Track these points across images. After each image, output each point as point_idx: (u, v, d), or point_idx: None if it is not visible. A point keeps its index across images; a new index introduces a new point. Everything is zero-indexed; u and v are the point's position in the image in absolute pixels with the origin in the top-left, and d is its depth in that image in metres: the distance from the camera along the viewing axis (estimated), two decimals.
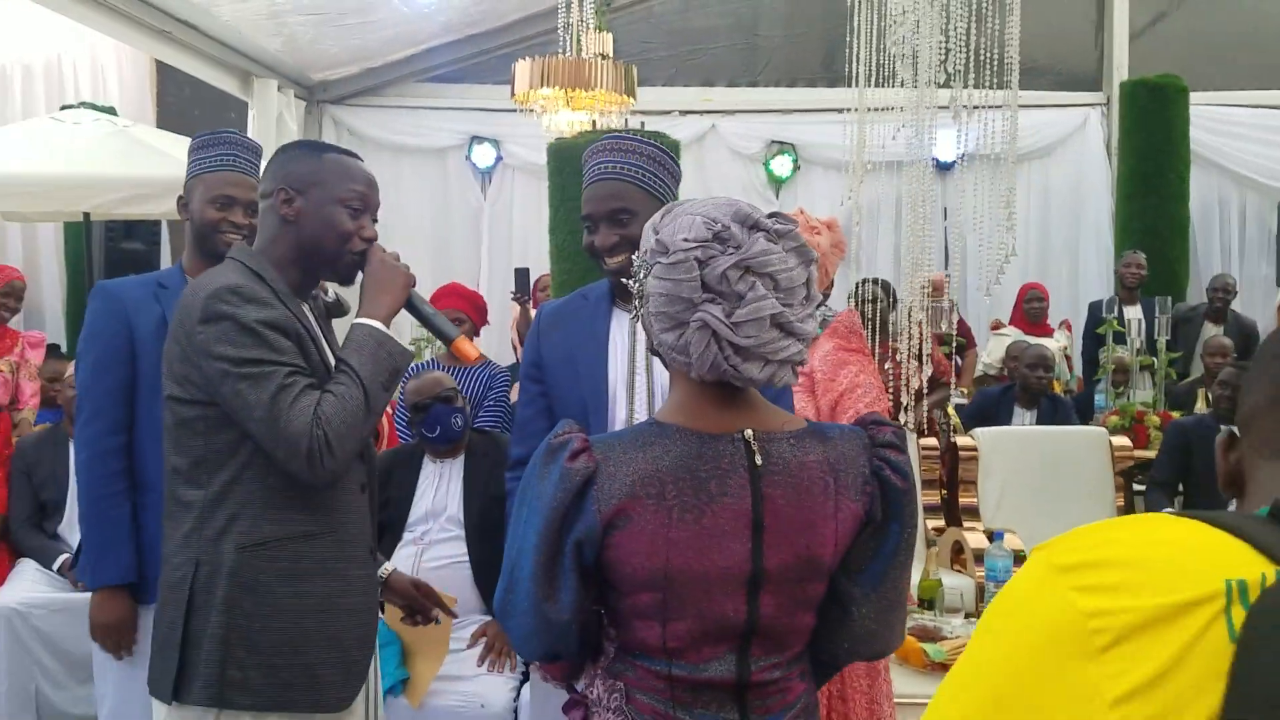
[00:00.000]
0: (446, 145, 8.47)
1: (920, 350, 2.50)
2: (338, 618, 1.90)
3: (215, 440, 1.83)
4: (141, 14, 6.02)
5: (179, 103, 8.51)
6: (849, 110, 4.04)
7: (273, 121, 7.46)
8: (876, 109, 3.84)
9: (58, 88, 7.66)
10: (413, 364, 4.92)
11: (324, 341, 1.97)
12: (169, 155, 5.25)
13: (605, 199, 2.11)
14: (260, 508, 1.83)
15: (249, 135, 7.59)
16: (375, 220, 2.00)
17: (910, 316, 2.38)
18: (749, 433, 1.44)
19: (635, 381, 2.12)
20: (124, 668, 2.37)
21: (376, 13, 7.27)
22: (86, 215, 5.92)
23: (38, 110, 7.19)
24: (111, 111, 6.90)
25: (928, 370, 2.38)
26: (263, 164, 2.45)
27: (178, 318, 1.86)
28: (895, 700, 2.98)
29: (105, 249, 6.04)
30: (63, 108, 6.66)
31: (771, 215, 1.46)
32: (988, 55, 2.42)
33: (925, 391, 5.31)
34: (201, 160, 2.51)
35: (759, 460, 1.43)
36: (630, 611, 1.45)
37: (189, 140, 7.02)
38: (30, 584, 3.79)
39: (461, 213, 8.52)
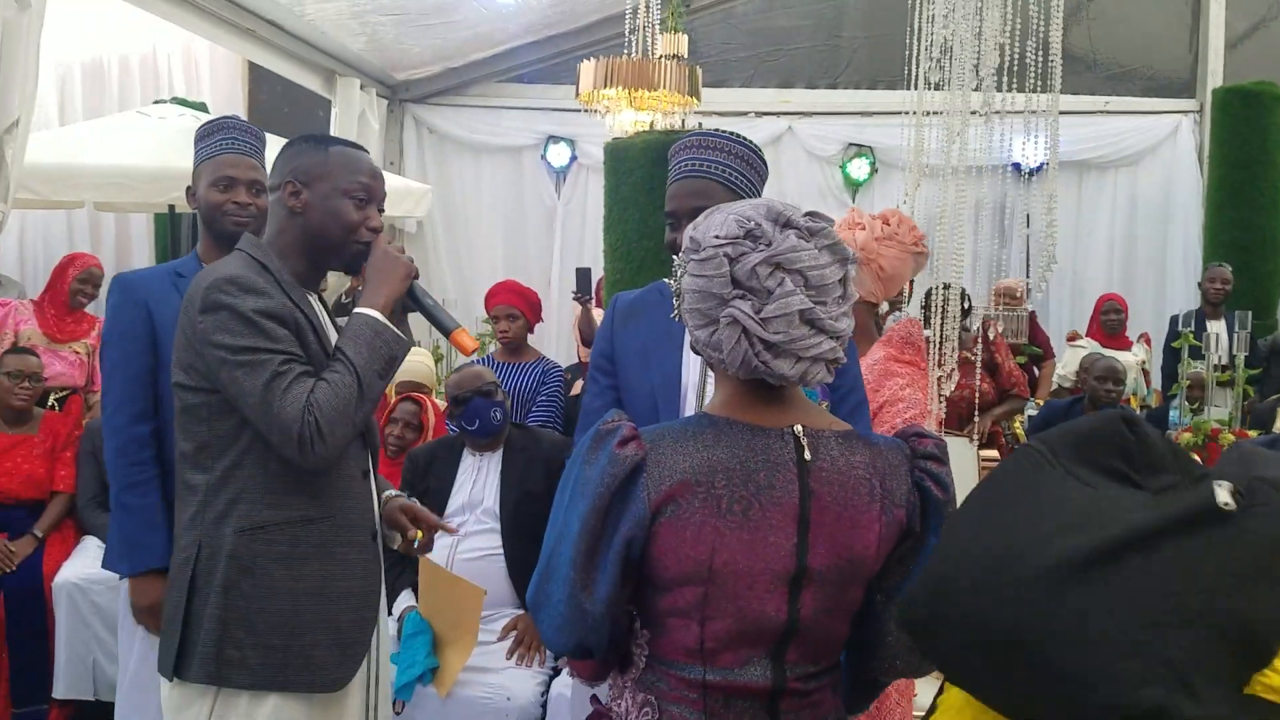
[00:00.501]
0: (523, 144, 8.56)
1: (944, 359, 2.45)
2: (334, 601, 1.93)
3: (218, 426, 1.89)
4: (228, 12, 6.20)
5: (271, 100, 8.74)
6: (911, 113, 3.98)
7: (355, 120, 7.62)
8: (935, 112, 3.78)
9: (153, 82, 7.93)
10: (472, 359, 4.98)
11: (326, 331, 2.01)
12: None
13: (690, 196, 2.09)
14: (260, 492, 1.88)
15: (331, 133, 7.77)
16: (381, 210, 2.04)
17: (943, 325, 2.34)
18: (798, 428, 1.45)
19: (707, 384, 2.10)
20: (144, 646, 2.45)
21: (457, 13, 7.37)
22: (171, 207, 6.15)
23: (133, 104, 7.45)
24: (203, 107, 7.13)
25: (954, 378, 2.32)
26: (267, 150, 2.50)
27: (183, 308, 1.92)
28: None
29: (194, 239, 6.24)
30: (155, 102, 6.91)
31: (807, 214, 1.47)
32: (1033, 58, 2.36)
33: (994, 402, 5.24)
34: (204, 148, 2.56)
35: (808, 455, 1.43)
36: (668, 610, 1.44)
37: (277, 138, 7.16)
38: (91, 561, 3.93)
39: (536, 211, 8.61)
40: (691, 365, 2.15)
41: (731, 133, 2.17)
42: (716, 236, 1.42)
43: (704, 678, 1.43)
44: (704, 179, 2.10)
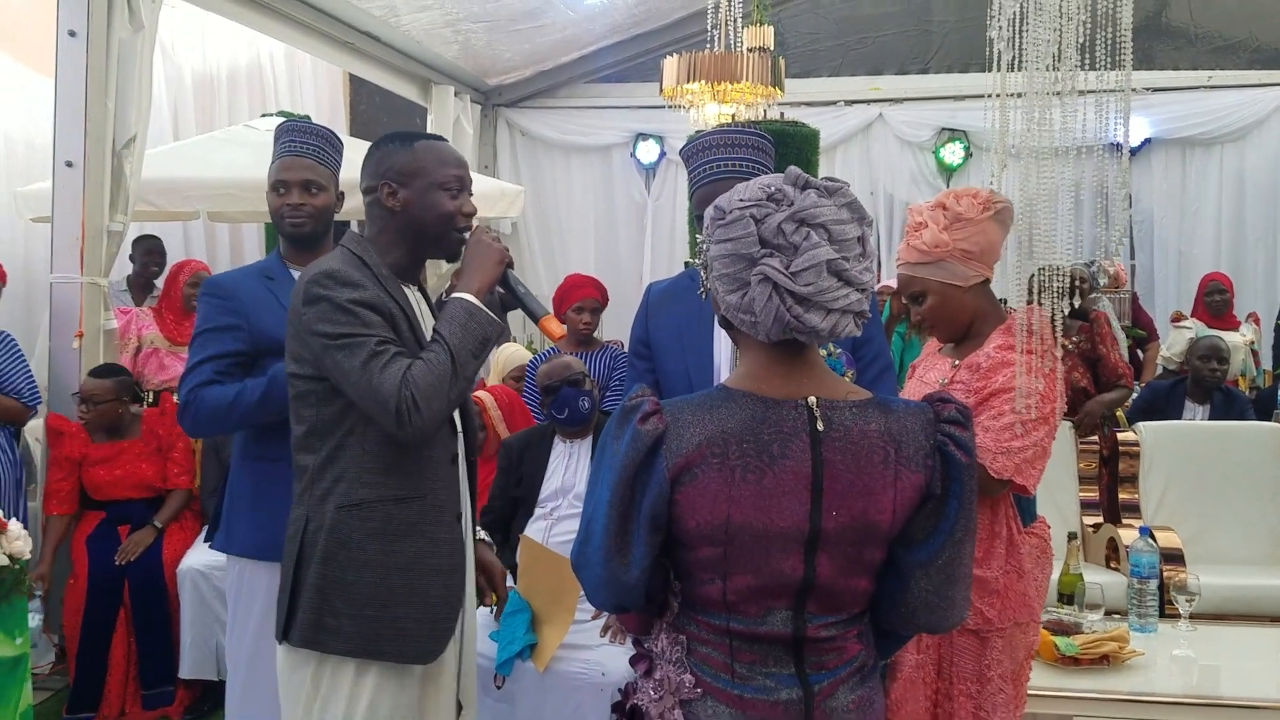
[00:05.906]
0: (612, 142, 8.70)
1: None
2: (424, 576, 2.05)
3: (324, 411, 2.03)
4: (327, 26, 6.45)
5: (370, 109, 9.03)
6: (994, 95, 3.97)
7: (450, 125, 7.83)
8: (1017, 94, 3.75)
9: (259, 95, 8.24)
10: (545, 349, 5.14)
11: (421, 321, 2.13)
12: (352, 161, 5.63)
13: None
14: (359, 472, 2.02)
15: None
16: (470, 195, 2.15)
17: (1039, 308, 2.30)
18: (812, 399, 1.52)
19: (739, 361, 2.20)
20: (260, 624, 2.61)
21: (545, 17, 7.54)
22: None
23: (241, 116, 7.78)
24: (306, 119, 7.42)
25: (1028, 367, 2.29)
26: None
27: (291, 303, 2.07)
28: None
29: None
30: (262, 115, 7.21)
31: (825, 178, 1.55)
32: (1109, 38, 2.35)
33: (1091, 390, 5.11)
34: (272, 156, 2.72)
35: (820, 426, 1.50)
36: (694, 565, 1.54)
37: None
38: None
39: (626, 207, 8.75)
40: (723, 345, 2.23)
41: (748, 126, 2.25)
42: (741, 200, 1.52)
43: (728, 624, 1.54)
44: (737, 178, 2.16)
